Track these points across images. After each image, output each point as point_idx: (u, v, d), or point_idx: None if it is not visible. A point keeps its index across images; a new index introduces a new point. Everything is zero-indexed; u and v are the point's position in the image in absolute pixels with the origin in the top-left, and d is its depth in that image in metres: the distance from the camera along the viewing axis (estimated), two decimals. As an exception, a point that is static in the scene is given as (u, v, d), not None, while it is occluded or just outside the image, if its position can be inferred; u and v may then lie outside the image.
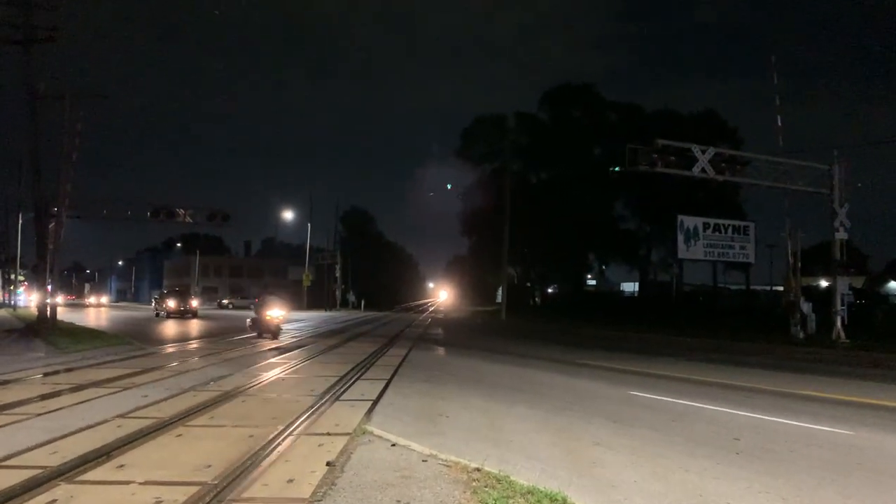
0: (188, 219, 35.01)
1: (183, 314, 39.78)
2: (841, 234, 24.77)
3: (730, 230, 33.82)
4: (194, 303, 42.15)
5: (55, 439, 6.49)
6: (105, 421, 7.47)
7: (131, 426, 7.18)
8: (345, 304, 71.75)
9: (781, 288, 37.67)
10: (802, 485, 5.68)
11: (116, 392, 9.77)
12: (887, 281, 65.25)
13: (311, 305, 64.15)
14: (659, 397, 10.70)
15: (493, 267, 53.76)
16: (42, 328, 23.25)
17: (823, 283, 39.44)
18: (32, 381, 11.01)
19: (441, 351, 19.78)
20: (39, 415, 7.88)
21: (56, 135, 23.82)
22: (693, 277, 54.55)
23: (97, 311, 44.86)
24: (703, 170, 23.17)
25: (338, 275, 70.92)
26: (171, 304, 40.54)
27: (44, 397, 9.13)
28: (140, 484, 5.05)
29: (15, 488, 4.86)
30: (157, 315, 42.03)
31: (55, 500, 4.66)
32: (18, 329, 25.43)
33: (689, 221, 32.63)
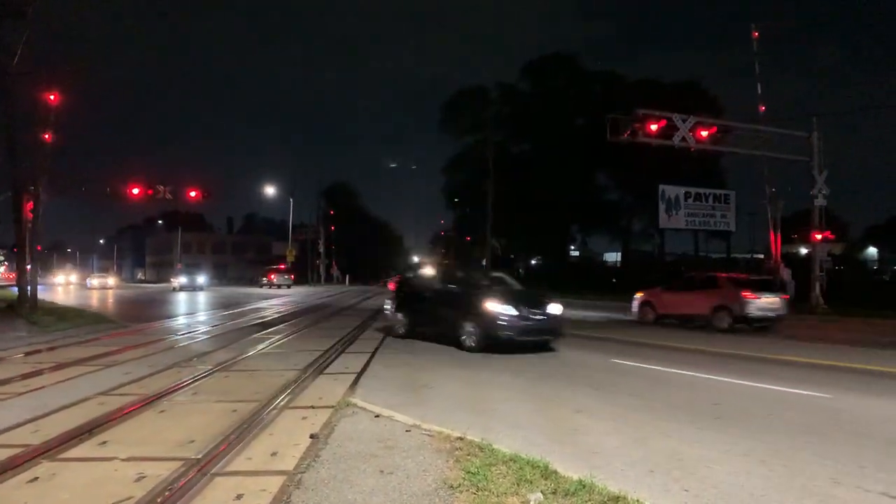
0: (168, 196, 34.57)
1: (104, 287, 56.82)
2: (820, 201, 24.96)
3: (710, 199, 34.12)
4: (110, 280, 63.18)
5: (37, 418, 6.46)
6: (87, 398, 7.44)
7: (114, 403, 7.15)
8: (329, 278, 71.64)
9: (762, 255, 38.06)
10: (781, 447, 5.78)
11: (99, 370, 9.72)
12: (866, 247, 66.17)
13: (296, 281, 63.95)
14: (640, 364, 10.83)
15: (477, 239, 53.77)
16: (23, 308, 23.00)
17: (803, 251, 39.85)
18: (14, 361, 10.91)
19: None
20: (21, 394, 7.82)
21: (32, 112, 23.34)
22: (675, 246, 54.98)
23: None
24: (683, 139, 23.19)
25: (321, 250, 70.78)
26: (96, 281, 60.99)
27: (25, 376, 9.05)
28: (122, 460, 5.04)
29: (-4, 467, 4.84)
30: (87, 286, 58.44)
31: (37, 478, 4.65)
32: (-1, 309, 25.14)
33: (671, 191, 32.86)
